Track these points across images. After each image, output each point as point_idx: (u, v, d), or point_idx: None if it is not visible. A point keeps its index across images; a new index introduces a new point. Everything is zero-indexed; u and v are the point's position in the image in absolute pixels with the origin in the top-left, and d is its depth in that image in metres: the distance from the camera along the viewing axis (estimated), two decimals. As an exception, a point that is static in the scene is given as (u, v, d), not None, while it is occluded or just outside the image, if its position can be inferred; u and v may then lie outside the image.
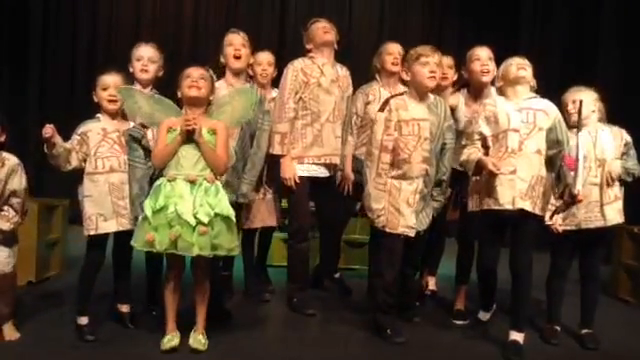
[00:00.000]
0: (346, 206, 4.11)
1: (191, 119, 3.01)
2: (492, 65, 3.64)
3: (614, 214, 3.39)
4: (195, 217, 2.94)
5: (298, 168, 3.78)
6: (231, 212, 3.06)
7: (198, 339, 3.09)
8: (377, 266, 3.46)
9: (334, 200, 3.98)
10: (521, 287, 3.21)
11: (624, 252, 4.60)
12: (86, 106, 3.48)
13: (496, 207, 3.18)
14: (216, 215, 2.99)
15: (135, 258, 3.42)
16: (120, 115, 3.27)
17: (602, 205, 3.36)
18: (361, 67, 4.43)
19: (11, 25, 6.82)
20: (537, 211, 3.18)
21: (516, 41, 6.88)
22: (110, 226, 3.16)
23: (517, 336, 3.23)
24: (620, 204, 3.43)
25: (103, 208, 3.15)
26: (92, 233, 3.16)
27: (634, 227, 4.47)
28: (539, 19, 6.96)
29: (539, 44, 6.82)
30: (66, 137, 3.14)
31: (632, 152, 3.46)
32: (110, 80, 3.23)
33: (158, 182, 3.05)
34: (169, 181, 3.00)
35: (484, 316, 3.55)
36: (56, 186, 3.64)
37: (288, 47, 6.87)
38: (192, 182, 2.99)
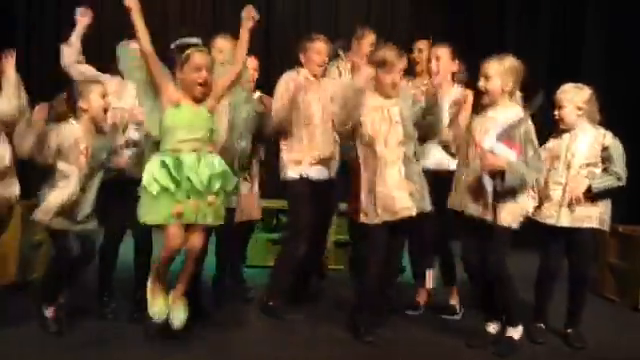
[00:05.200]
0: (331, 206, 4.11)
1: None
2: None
3: (567, 217, 3.34)
4: (206, 186, 3.00)
5: (298, 170, 3.77)
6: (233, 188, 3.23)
7: (178, 307, 3.08)
8: (362, 258, 3.47)
9: (328, 203, 3.98)
10: (502, 287, 3.20)
11: (609, 251, 4.62)
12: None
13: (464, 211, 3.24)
14: (220, 187, 3.08)
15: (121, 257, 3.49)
16: (96, 129, 3.27)
17: (561, 206, 3.34)
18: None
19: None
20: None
21: (502, 37, 6.91)
22: (57, 224, 3.18)
23: (496, 330, 3.33)
24: (590, 210, 3.34)
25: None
26: (39, 217, 3.19)
27: (619, 226, 4.49)
28: (525, 16, 6.98)
29: (525, 38, 6.82)
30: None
31: (615, 156, 3.33)
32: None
33: (160, 157, 3.02)
34: (172, 155, 3.00)
35: (493, 328, 3.39)
36: (41, 187, 3.57)
37: (273, 44, 6.87)
38: (195, 151, 3.03)
